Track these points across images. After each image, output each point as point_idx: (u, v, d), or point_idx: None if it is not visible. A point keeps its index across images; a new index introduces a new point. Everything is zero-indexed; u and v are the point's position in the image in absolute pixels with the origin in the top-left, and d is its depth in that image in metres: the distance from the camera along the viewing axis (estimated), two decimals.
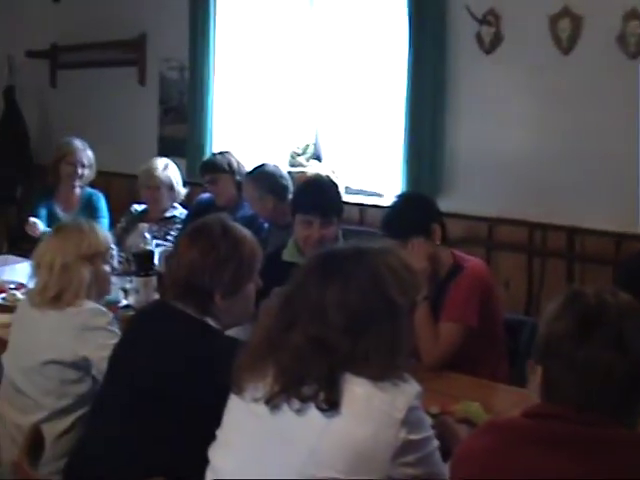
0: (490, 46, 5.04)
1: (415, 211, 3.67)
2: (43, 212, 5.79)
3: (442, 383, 3.16)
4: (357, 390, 1.98)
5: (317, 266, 2.16)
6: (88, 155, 5.91)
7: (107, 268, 3.45)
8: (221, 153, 5.50)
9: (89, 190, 6.00)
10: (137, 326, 2.82)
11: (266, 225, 5.04)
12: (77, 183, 5.90)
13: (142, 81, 7.21)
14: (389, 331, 2.04)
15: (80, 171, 5.86)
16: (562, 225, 4.85)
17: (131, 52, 7.19)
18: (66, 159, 5.86)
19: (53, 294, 3.23)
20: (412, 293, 2.13)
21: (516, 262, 5.05)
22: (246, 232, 2.77)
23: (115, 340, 3.01)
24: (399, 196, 4.00)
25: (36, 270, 3.34)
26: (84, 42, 7.52)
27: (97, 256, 3.37)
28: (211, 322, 2.64)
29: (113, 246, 3.62)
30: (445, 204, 4.86)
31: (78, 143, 5.90)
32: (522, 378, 3.53)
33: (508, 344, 3.73)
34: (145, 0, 7.05)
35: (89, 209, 5.87)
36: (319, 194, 3.97)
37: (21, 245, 5.87)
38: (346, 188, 5.65)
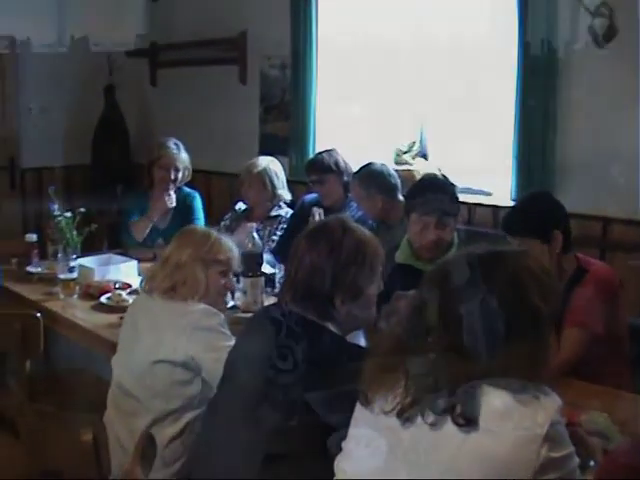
0: (603, 39, 4.86)
1: (537, 211, 3.55)
2: (135, 216, 5.70)
3: (566, 392, 3.02)
4: (496, 404, 1.88)
5: (452, 271, 2.05)
6: (182, 158, 5.68)
7: (222, 281, 3.41)
8: (327, 151, 5.38)
9: (185, 190, 5.82)
10: (254, 331, 2.73)
11: (374, 225, 4.91)
12: (171, 186, 5.67)
13: (243, 79, 7.16)
14: (531, 340, 1.94)
15: (174, 175, 5.64)
16: None
17: (232, 50, 7.14)
18: (159, 162, 5.64)
19: (168, 285, 3.25)
20: (553, 299, 2.02)
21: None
22: (368, 233, 2.66)
23: (226, 342, 2.99)
24: (529, 193, 3.87)
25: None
26: (184, 40, 7.54)
27: (214, 263, 3.35)
28: (332, 328, 2.54)
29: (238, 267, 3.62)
30: None
31: (172, 146, 5.68)
32: None
33: (632, 350, 3.59)
34: None
35: (183, 210, 5.70)
36: (436, 194, 3.88)
37: (121, 244, 5.86)
38: None
